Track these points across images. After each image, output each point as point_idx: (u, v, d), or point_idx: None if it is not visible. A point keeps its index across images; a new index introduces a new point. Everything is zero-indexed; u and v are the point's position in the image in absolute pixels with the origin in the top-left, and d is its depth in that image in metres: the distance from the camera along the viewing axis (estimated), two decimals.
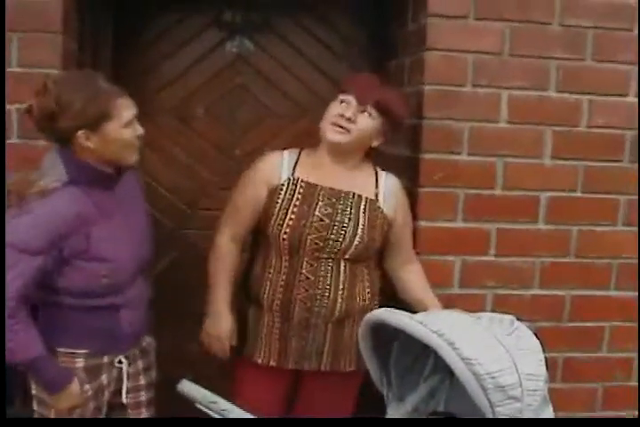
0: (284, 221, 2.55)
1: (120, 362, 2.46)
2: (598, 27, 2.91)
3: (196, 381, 2.20)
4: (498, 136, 2.89)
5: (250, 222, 2.67)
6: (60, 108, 2.12)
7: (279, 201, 2.59)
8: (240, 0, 3.48)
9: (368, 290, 2.69)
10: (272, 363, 2.65)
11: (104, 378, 2.42)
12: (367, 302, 2.68)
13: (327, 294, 2.58)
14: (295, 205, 2.57)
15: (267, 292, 2.61)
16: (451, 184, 2.88)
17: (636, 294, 3.08)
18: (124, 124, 2.21)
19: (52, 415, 2.38)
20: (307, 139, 3.34)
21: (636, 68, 2.94)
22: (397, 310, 2.10)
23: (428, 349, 1.97)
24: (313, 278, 2.57)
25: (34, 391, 2.39)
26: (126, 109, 2.22)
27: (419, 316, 2.08)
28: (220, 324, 2.66)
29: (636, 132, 2.99)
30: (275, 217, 2.57)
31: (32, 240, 2.16)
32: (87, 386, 2.37)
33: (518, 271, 3.00)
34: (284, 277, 2.59)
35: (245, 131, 3.60)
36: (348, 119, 2.54)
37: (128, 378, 2.49)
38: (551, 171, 2.96)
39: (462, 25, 2.81)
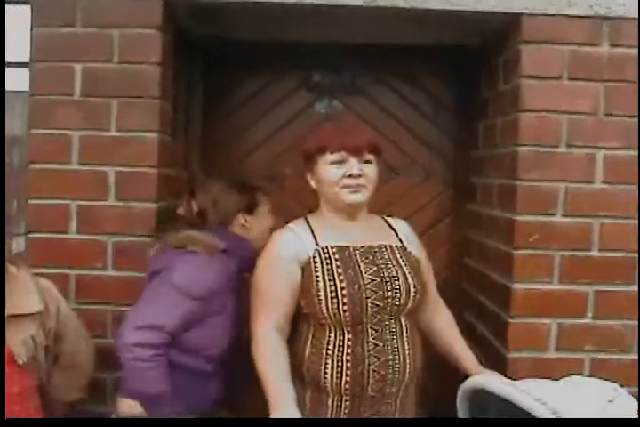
0: (337, 293, 2.36)
1: None
2: None
3: None
4: (593, 197, 2.84)
5: (292, 307, 2.44)
6: (215, 201, 2.64)
7: (319, 275, 2.40)
8: (328, 62, 3.56)
9: (420, 346, 2.56)
10: None
11: None
12: (419, 359, 2.54)
13: (397, 357, 2.42)
14: (339, 273, 2.39)
15: (330, 372, 2.40)
16: (546, 246, 2.83)
17: None
18: (268, 210, 2.76)
19: None
20: (398, 200, 3.37)
21: None
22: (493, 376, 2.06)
23: (527, 414, 1.92)
24: (382, 345, 2.41)
25: None
26: (267, 201, 2.77)
27: (518, 383, 2.04)
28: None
29: None
30: (324, 293, 2.38)
31: (195, 286, 2.40)
32: None
33: (617, 335, 2.90)
34: (349, 350, 2.39)
35: None
36: (358, 176, 2.39)
37: None
38: None
39: (556, 85, 2.79)
